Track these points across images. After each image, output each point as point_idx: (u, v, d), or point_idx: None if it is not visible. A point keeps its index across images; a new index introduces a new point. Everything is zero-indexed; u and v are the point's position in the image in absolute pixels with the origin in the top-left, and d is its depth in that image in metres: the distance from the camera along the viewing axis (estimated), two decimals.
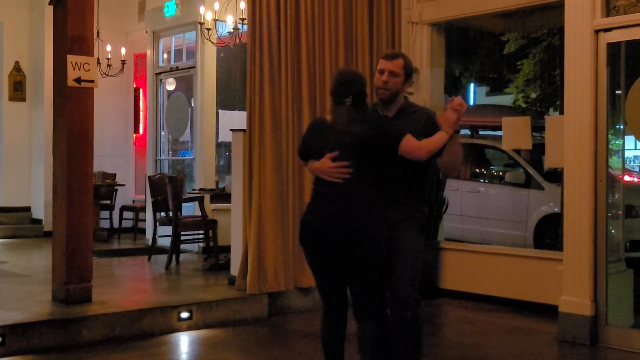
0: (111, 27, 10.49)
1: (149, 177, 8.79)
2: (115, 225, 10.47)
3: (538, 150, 8.64)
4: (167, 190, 7.71)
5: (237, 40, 7.86)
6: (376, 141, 3.46)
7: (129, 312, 5.44)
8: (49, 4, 5.75)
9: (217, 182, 8.73)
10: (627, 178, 6.10)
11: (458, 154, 3.67)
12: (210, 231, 7.91)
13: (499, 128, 7.65)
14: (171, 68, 10.00)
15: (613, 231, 5.60)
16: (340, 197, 3.46)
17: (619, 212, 5.75)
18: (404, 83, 3.67)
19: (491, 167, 10.23)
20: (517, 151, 9.16)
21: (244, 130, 6.23)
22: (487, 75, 16.89)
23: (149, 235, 9.38)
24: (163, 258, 7.91)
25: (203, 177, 9.04)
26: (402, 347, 3.61)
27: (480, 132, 11.20)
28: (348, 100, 3.50)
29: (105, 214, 10.48)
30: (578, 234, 5.41)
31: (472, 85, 18.14)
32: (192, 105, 9.58)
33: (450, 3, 7.06)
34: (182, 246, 8.17)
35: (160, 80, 10.16)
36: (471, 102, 18.40)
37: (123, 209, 10.56)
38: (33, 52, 10.78)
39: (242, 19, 7.46)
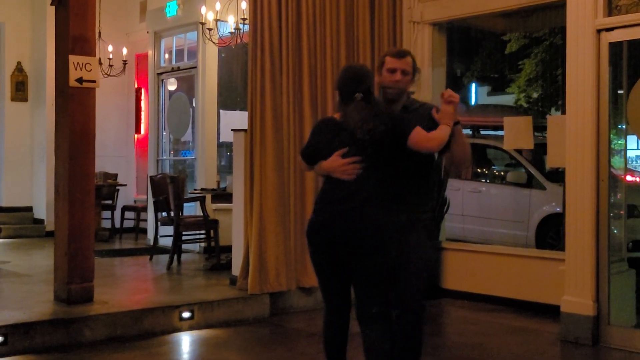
0: (113, 27, 10.51)
1: (150, 177, 8.79)
2: (117, 225, 10.47)
3: (540, 150, 8.63)
4: (168, 190, 7.71)
5: (239, 40, 7.87)
6: (391, 135, 3.38)
7: (130, 311, 5.44)
8: (51, 4, 5.75)
9: (218, 182, 8.73)
10: (629, 178, 6.09)
11: (466, 146, 3.64)
12: (212, 231, 7.91)
13: (501, 128, 7.65)
14: (172, 68, 10.00)
15: (615, 231, 5.59)
16: (351, 196, 3.38)
17: (621, 212, 5.74)
18: (411, 81, 3.63)
19: (493, 167, 10.23)
20: (519, 151, 9.16)
21: (245, 130, 6.24)
22: (488, 75, 16.87)
23: (150, 235, 9.38)
24: (164, 258, 7.91)
25: (204, 177, 9.05)
26: (406, 351, 3.58)
27: (482, 132, 11.20)
28: (358, 96, 3.41)
29: (107, 214, 10.49)
30: (580, 234, 5.41)
31: (473, 85, 18.11)
32: (194, 105, 9.59)
33: (452, 3, 7.06)
34: (184, 246, 8.18)
35: (162, 80, 10.17)
36: (473, 102, 18.39)
37: (125, 209, 10.56)
38: (35, 52, 10.79)
39: (244, 19, 7.47)
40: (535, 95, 14.74)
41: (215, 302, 5.85)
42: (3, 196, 10.80)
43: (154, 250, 8.34)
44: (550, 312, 5.88)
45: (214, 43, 8.36)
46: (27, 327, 4.95)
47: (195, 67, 9.37)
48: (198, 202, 8.29)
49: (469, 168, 8.18)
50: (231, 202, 6.68)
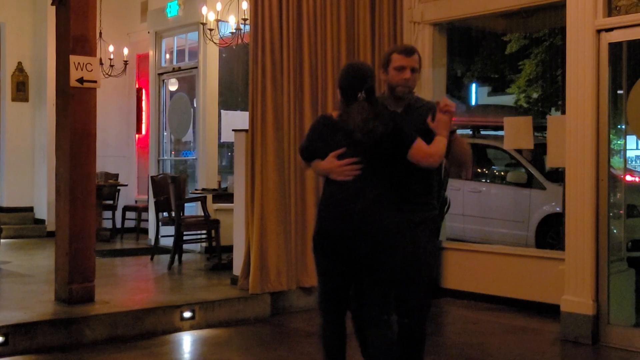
0: (114, 27, 10.52)
1: (151, 177, 8.80)
2: (118, 225, 10.48)
3: (540, 150, 8.64)
4: (169, 190, 7.72)
5: (240, 41, 7.87)
6: (390, 137, 3.29)
7: (131, 311, 5.45)
8: (52, 4, 5.76)
9: (219, 182, 8.74)
10: (628, 178, 6.10)
11: (466, 150, 3.61)
12: (213, 231, 7.93)
13: (501, 128, 7.66)
14: (173, 68, 10.01)
15: (615, 231, 5.60)
16: (356, 197, 3.30)
17: (621, 211, 5.75)
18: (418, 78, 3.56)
19: (493, 167, 10.24)
20: (519, 151, 9.17)
21: (246, 131, 6.25)
22: (489, 75, 16.88)
23: (151, 235, 9.40)
24: (166, 258, 7.92)
25: (205, 177, 9.06)
26: (410, 354, 3.57)
27: (482, 132, 11.21)
28: (361, 95, 3.32)
29: (107, 214, 10.50)
30: (580, 233, 5.42)
31: (473, 86, 18.11)
32: (195, 105, 9.60)
33: (452, 3, 7.06)
34: (185, 246, 8.19)
35: (163, 80, 10.18)
36: (473, 102, 18.39)
37: (126, 209, 10.58)
38: (36, 52, 10.80)
39: (245, 19, 7.48)
40: (535, 95, 14.75)
41: (216, 302, 5.86)
42: (4, 196, 10.82)
43: (155, 250, 8.35)
44: (550, 311, 5.89)
45: (214, 43, 8.37)
46: (28, 327, 4.96)
47: (196, 68, 9.38)
48: (199, 202, 8.30)
49: (469, 168, 8.17)
50: (232, 202, 6.69)
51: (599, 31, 5.39)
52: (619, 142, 5.81)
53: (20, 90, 10.88)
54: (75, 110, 5.57)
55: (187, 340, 5.45)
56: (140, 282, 7.32)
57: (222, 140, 9.49)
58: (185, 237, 8.00)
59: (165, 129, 10.19)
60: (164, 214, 8.06)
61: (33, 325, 4.98)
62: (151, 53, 10.19)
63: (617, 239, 5.68)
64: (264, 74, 6.12)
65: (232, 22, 7.97)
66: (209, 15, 7.99)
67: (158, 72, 10.13)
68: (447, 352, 5.23)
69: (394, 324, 3.43)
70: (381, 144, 3.30)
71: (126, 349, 5.08)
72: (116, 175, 10.85)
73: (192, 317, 5.66)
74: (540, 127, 9.03)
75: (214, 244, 7.94)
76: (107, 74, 10.02)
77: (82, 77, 5.54)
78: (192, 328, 5.63)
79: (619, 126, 5.70)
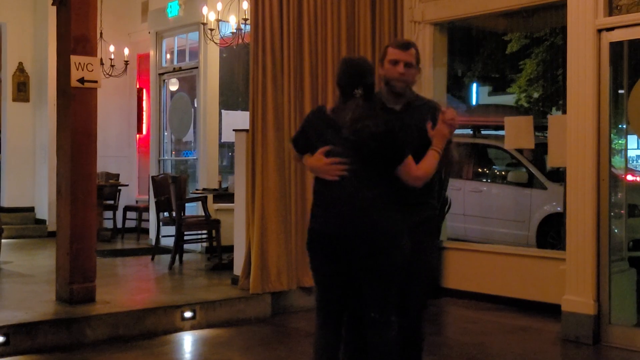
0: (114, 27, 10.52)
1: (152, 177, 8.81)
2: (119, 225, 10.47)
3: (540, 150, 8.64)
4: (170, 190, 7.72)
5: (240, 41, 7.87)
6: (380, 143, 3.17)
7: (132, 311, 5.45)
8: (52, 4, 5.76)
9: (220, 182, 8.74)
10: (629, 177, 6.10)
11: (455, 159, 3.59)
12: (214, 231, 7.93)
13: (502, 128, 7.66)
14: (174, 68, 10.02)
15: (616, 230, 5.59)
16: (353, 199, 3.18)
17: (622, 211, 5.74)
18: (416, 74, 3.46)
19: (494, 166, 10.24)
20: (520, 151, 9.17)
21: (246, 130, 6.25)
22: (489, 75, 16.88)
23: (152, 235, 9.40)
24: (166, 258, 7.93)
25: (206, 177, 9.06)
26: (409, 355, 3.55)
27: (483, 132, 11.20)
28: (358, 92, 3.20)
29: (108, 214, 10.49)
30: (581, 233, 5.41)
31: (474, 85, 18.12)
32: (195, 105, 9.60)
33: (453, 2, 7.06)
34: (186, 246, 8.19)
35: (163, 80, 10.18)
36: (473, 102, 18.40)
37: (126, 209, 10.57)
38: (36, 52, 10.80)
39: (245, 19, 7.48)
40: (536, 95, 14.75)
41: (217, 302, 5.86)
42: (5, 197, 10.82)
43: (156, 250, 8.35)
44: (551, 311, 5.89)
45: (215, 43, 8.37)
46: (29, 327, 4.96)
47: (196, 68, 9.39)
48: (200, 202, 8.31)
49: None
50: (233, 202, 6.69)
51: (599, 30, 5.39)
52: (620, 141, 5.80)
53: (21, 90, 10.88)
54: (76, 111, 5.57)
55: (187, 340, 5.45)
56: (141, 282, 7.32)
57: (222, 140, 9.49)
58: (186, 237, 8.00)
59: (166, 129, 10.20)
60: (165, 214, 8.06)
61: (34, 325, 4.98)
62: (152, 53, 10.19)
63: (618, 238, 5.68)
64: (265, 73, 6.12)
65: (232, 22, 7.97)
66: (209, 15, 7.99)
67: (159, 72, 10.13)
68: (448, 352, 5.22)
69: (394, 325, 3.36)
70: (368, 145, 3.17)
71: (127, 349, 5.08)
72: (117, 175, 10.85)
73: (193, 317, 5.66)
74: (541, 127, 9.03)
75: (214, 243, 7.94)
76: (107, 74, 10.02)
77: (83, 77, 5.54)
78: (192, 328, 5.63)
79: (620, 126, 5.69)
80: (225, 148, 10.08)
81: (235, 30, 7.91)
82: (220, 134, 9.37)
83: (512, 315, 6.31)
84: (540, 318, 6.12)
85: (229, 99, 10.07)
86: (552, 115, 12.76)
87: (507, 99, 16.61)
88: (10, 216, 10.36)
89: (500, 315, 6.35)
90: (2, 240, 7.62)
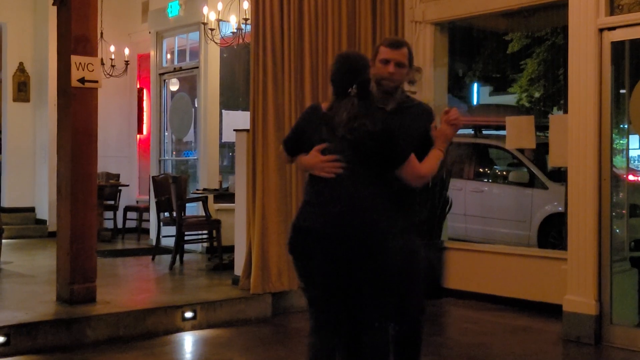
0: (115, 27, 10.52)
1: (152, 177, 8.80)
2: (119, 225, 10.48)
3: (542, 150, 8.63)
4: (170, 190, 7.72)
5: (241, 41, 7.87)
6: (377, 142, 3.09)
7: (133, 312, 5.44)
8: (53, 4, 5.76)
9: (220, 182, 8.73)
10: (631, 177, 6.08)
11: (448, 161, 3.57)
12: (214, 231, 7.92)
13: (503, 127, 7.65)
14: (174, 68, 10.01)
15: (617, 230, 5.59)
16: (343, 197, 3.08)
17: (624, 211, 5.74)
18: (408, 73, 3.39)
19: (495, 166, 10.23)
20: (521, 150, 9.16)
21: (247, 130, 6.24)
22: (490, 74, 16.86)
23: (152, 235, 9.40)
24: (167, 258, 7.92)
25: (207, 177, 9.06)
26: (409, 356, 3.54)
27: (484, 132, 11.20)
28: (352, 90, 3.12)
29: (109, 214, 10.49)
30: (582, 233, 5.40)
31: (475, 85, 18.10)
32: (196, 105, 9.60)
33: (454, 2, 7.05)
34: (186, 246, 8.18)
35: (164, 80, 10.18)
36: (474, 102, 18.38)
37: (127, 209, 10.57)
38: (37, 52, 10.80)
39: (246, 19, 7.48)
40: (537, 94, 14.73)
41: (217, 302, 5.85)
42: (5, 197, 10.82)
43: (157, 250, 8.35)
44: (553, 311, 5.88)
45: (216, 43, 8.37)
46: (29, 327, 4.95)
47: (197, 68, 9.38)
48: (200, 202, 8.30)
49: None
50: (233, 202, 6.69)
51: (601, 30, 5.38)
52: (621, 141, 5.79)
53: (22, 90, 10.88)
54: (76, 111, 5.57)
55: (188, 341, 5.44)
56: (142, 282, 7.32)
57: (223, 140, 9.49)
58: (186, 237, 7.99)
59: (167, 129, 10.19)
60: (165, 214, 8.06)
61: (34, 326, 4.97)
62: (152, 53, 10.19)
63: (620, 238, 5.67)
64: (265, 73, 6.11)
65: (233, 21, 7.96)
66: (210, 15, 7.98)
67: (159, 72, 10.13)
68: (449, 352, 5.21)
69: (389, 328, 3.31)
70: (365, 144, 3.10)
71: (128, 349, 5.08)
72: (117, 176, 10.85)
73: (194, 317, 5.65)
74: (542, 127, 9.02)
75: (215, 244, 7.93)
76: (108, 74, 10.02)
77: (84, 77, 5.54)
78: (193, 328, 5.62)
79: (621, 125, 5.68)
80: (226, 148, 10.07)
81: (235, 30, 7.90)
82: (220, 134, 9.37)
83: (513, 316, 6.30)
84: (541, 318, 6.11)
85: (230, 99, 10.06)
86: (554, 115, 12.76)
87: (508, 99, 16.60)
88: (10, 216, 10.36)
89: (501, 315, 6.34)
90: (3, 241, 7.62)
